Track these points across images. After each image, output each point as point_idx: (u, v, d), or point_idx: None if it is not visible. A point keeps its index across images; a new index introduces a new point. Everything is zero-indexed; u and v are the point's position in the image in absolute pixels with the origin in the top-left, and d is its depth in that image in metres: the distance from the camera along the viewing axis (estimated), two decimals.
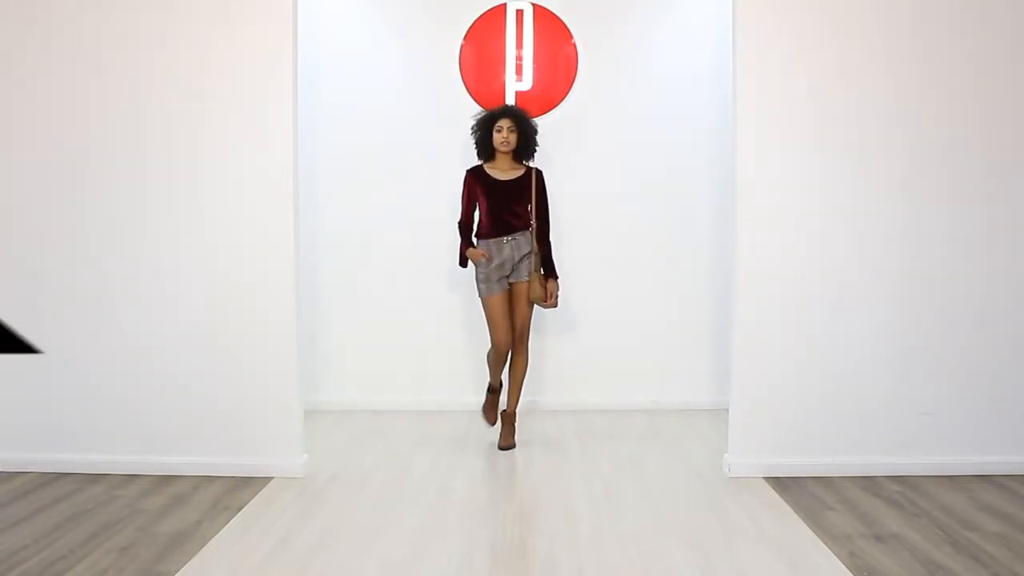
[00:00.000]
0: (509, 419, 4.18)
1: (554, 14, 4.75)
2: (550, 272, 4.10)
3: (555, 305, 4.11)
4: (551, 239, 4.16)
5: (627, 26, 4.77)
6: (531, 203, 4.07)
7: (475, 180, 4.10)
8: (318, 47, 4.69)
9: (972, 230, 3.60)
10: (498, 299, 4.03)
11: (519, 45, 4.75)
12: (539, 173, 4.13)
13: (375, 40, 4.80)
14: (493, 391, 4.26)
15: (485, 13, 4.76)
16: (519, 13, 4.76)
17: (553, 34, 4.76)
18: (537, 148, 4.14)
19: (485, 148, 4.11)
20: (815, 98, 3.56)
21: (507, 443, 4.11)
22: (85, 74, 3.59)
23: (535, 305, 4.10)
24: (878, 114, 3.56)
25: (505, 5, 4.75)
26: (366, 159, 4.80)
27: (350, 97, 4.79)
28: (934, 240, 3.60)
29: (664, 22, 4.80)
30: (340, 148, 4.80)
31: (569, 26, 4.75)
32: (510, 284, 4.08)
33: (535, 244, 4.05)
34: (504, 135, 4.04)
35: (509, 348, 4.06)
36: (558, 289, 4.11)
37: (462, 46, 4.76)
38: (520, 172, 4.11)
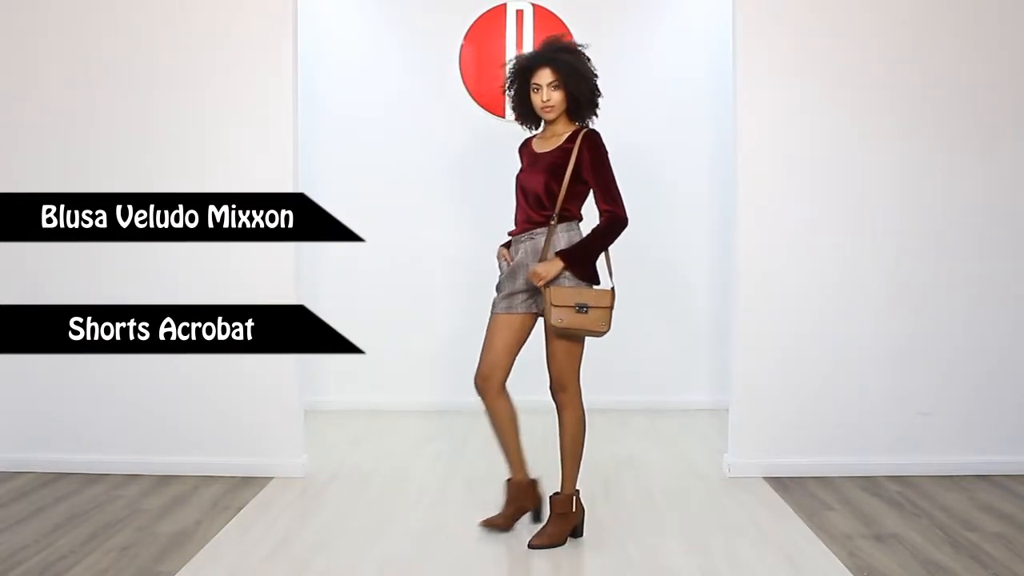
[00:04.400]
0: (559, 507, 2.89)
1: (554, 14, 4.75)
2: (564, 256, 2.78)
3: (538, 280, 2.75)
4: (603, 234, 2.81)
5: (627, 26, 4.78)
6: (564, 183, 2.78)
7: (521, 157, 3.00)
8: (318, 47, 4.69)
9: (971, 229, 3.60)
10: (501, 322, 2.89)
11: (519, 45, 4.74)
12: (590, 135, 2.81)
13: (375, 40, 4.81)
14: (515, 482, 2.98)
15: (485, 13, 4.76)
16: (519, 13, 4.76)
17: (553, 34, 4.76)
18: (600, 97, 2.85)
19: (526, 114, 2.90)
20: (815, 98, 3.56)
21: (548, 539, 2.83)
22: (87, 78, 3.59)
23: (584, 337, 2.93)
24: (877, 114, 3.57)
25: (505, 5, 4.75)
26: (366, 159, 4.80)
27: (350, 97, 4.80)
28: (933, 240, 3.61)
29: (664, 23, 4.80)
30: (340, 148, 4.80)
31: (569, 26, 4.74)
32: (540, 313, 2.90)
33: (547, 246, 2.79)
34: (544, 95, 2.78)
35: (491, 383, 2.92)
36: (557, 273, 2.75)
37: (462, 46, 4.75)
38: (562, 138, 2.84)
